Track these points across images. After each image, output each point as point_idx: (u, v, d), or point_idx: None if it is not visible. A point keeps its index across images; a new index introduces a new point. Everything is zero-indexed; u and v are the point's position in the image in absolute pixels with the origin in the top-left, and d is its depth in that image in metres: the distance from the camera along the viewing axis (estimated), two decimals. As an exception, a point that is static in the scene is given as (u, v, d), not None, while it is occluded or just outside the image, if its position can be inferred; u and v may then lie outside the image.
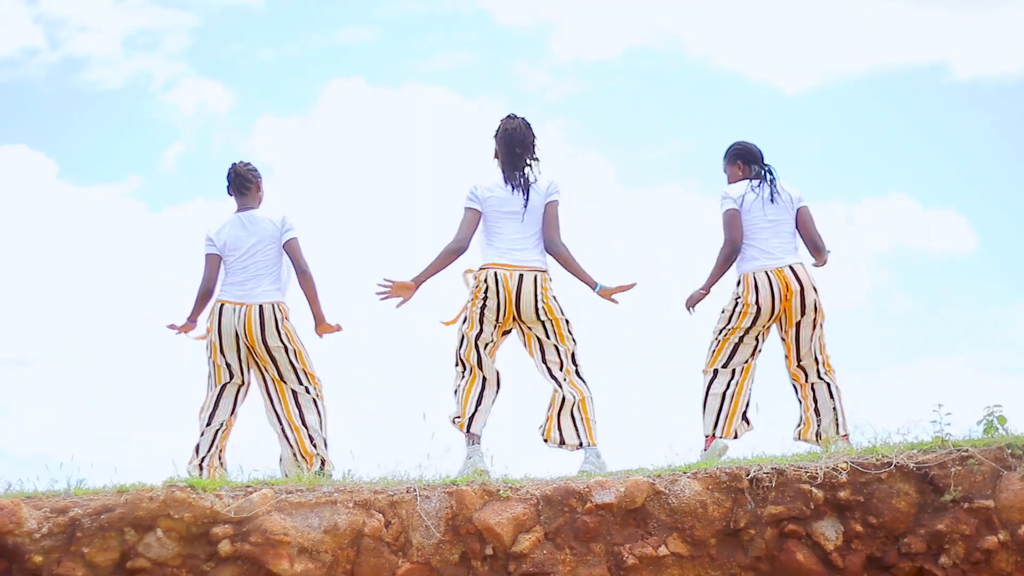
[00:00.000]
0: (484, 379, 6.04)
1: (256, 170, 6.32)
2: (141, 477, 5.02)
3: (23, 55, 15.82)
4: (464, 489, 4.91)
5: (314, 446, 5.98)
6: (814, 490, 4.96)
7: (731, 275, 6.29)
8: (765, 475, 5.00)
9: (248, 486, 4.89)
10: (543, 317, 5.97)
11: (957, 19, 16.64)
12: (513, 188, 6.08)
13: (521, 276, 5.97)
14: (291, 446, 6.00)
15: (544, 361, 6.07)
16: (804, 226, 6.31)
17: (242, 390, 6.13)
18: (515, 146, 6.13)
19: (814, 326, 6.14)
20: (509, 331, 6.11)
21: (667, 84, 16.18)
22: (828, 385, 6.14)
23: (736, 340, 6.17)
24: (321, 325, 6.18)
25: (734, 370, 6.17)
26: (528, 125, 6.17)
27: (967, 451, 5.07)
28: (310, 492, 4.84)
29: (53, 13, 16.42)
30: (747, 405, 6.17)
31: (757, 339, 6.19)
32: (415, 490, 4.91)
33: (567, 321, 6.03)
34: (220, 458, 6.05)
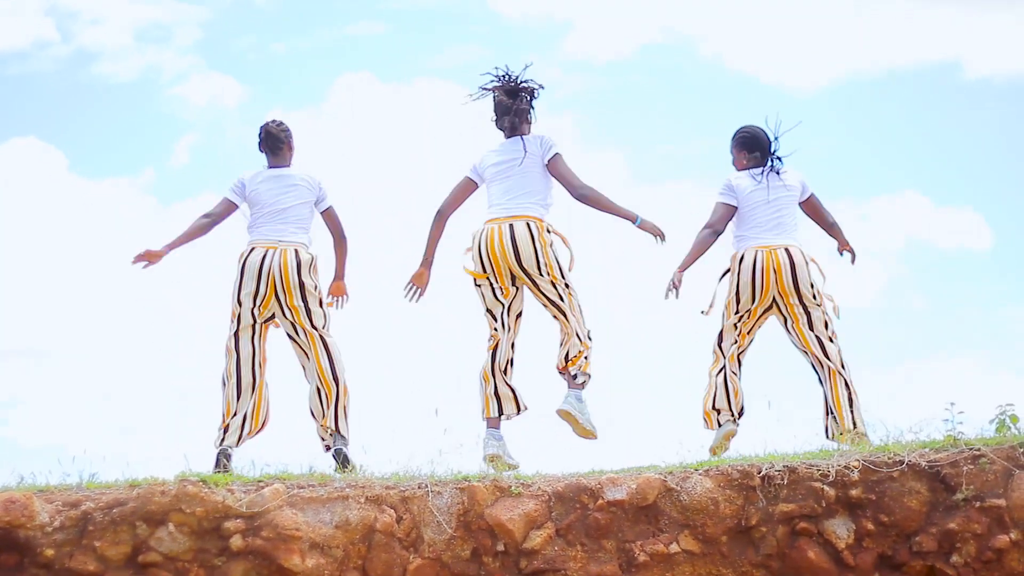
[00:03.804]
0: (496, 346, 5.93)
1: (288, 129, 6.31)
2: (153, 471, 5.04)
3: (35, 48, 15.85)
4: (476, 485, 4.91)
5: (336, 411, 5.95)
6: (826, 488, 4.95)
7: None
8: (777, 473, 4.99)
9: (260, 481, 4.90)
10: (543, 272, 5.83)
11: (968, 17, 16.58)
12: (512, 141, 6.02)
13: (512, 226, 5.85)
14: (319, 394, 5.97)
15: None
16: (816, 212, 6.37)
17: (257, 340, 6.05)
18: (503, 116, 6.12)
19: (809, 307, 6.07)
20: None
21: (679, 82, 16.13)
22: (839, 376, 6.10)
23: (732, 322, 6.16)
24: (339, 281, 6.27)
25: (725, 363, 6.14)
26: (515, 92, 6.06)
27: (979, 450, 5.06)
28: (322, 487, 4.84)
29: (65, 6, 16.46)
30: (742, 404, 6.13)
31: (751, 329, 6.17)
32: (427, 486, 4.91)
33: (567, 285, 5.89)
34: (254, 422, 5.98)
